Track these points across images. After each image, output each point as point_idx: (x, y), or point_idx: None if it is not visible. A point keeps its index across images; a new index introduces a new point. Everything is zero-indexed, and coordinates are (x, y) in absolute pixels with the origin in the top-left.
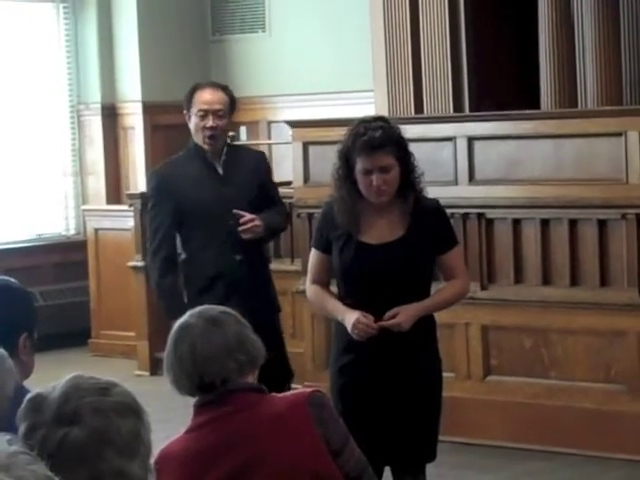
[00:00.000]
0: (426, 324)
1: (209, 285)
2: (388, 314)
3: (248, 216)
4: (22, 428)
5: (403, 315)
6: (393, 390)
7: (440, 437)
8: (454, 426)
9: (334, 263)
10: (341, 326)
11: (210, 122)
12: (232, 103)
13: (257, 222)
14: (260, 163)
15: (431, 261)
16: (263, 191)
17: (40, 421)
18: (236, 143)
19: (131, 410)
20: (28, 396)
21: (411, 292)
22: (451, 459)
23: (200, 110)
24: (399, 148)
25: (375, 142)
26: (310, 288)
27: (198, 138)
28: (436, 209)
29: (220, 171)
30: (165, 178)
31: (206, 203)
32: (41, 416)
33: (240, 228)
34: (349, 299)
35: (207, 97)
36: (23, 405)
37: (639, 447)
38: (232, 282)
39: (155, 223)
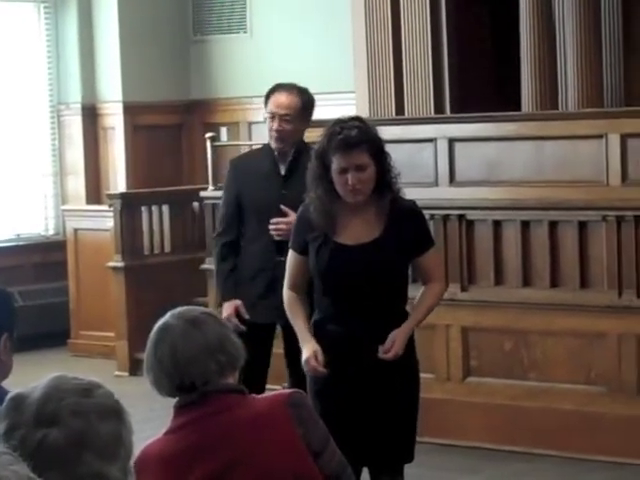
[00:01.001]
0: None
1: (252, 278)
2: (384, 348)
3: (285, 218)
4: (2, 427)
5: (398, 345)
6: (370, 390)
7: (420, 438)
8: (434, 427)
9: (311, 264)
10: (319, 326)
11: (275, 125)
12: (306, 107)
13: (284, 226)
14: None
15: (407, 262)
16: None
17: (20, 421)
18: (308, 144)
19: (112, 412)
20: (9, 395)
21: (387, 292)
22: (431, 460)
23: (269, 112)
24: (375, 147)
25: (351, 140)
26: (286, 294)
27: (269, 138)
28: (412, 210)
29: (282, 172)
30: (236, 168)
31: (262, 200)
32: (21, 416)
33: (270, 227)
34: (326, 299)
35: (277, 100)
36: (4, 404)
37: (619, 449)
38: (272, 281)
39: (222, 210)
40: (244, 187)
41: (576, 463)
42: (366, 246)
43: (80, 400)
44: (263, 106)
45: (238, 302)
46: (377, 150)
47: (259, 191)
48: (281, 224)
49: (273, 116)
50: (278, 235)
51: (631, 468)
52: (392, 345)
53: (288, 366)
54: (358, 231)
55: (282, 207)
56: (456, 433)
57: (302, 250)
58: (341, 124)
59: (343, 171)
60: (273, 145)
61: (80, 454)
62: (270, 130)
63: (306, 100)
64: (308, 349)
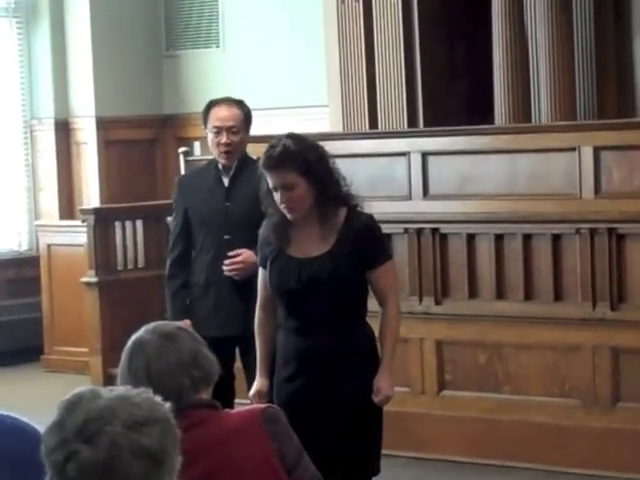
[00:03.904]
0: (365, 337)
1: (203, 292)
2: (374, 392)
3: (236, 259)
4: (55, 420)
5: (384, 389)
6: (332, 403)
7: (395, 452)
8: (409, 441)
9: (267, 277)
10: (282, 339)
11: (224, 139)
12: (247, 118)
13: (240, 266)
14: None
15: (361, 275)
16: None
17: (67, 423)
18: (252, 157)
19: (149, 456)
20: (76, 391)
21: (339, 306)
22: (406, 474)
23: (214, 127)
24: (302, 165)
25: (272, 161)
26: (257, 313)
27: (214, 153)
28: (366, 223)
29: (226, 184)
30: (182, 185)
31: (207, 213)
32: (70, 419)
33: (225, 268)
34: (284, 312)
35: (221, 114)
36: (68, 396)
37: (594, 461)
38: (222, 293)
39: (172, 226)
40: (190, 202)
41: (551, 476)
42: (315, 260)
43: (125, 432)
44: (208, 127)
45: (187, 322)
46: (306, 167)
47: (204, 204)
48: (237, 264)
49: (219, 130)
50: (237, 275)
51: None
52: (379, 391)
53: (247, 379)
54: (309, 245)
55: (230, 254)
56: (431, 447)
57: (265, 265)
58: (273, 142)
59: (274, 189)
60: (222, 161)
61: None
62: (218, 145)
63: (247, 111)
64: (254, 387)
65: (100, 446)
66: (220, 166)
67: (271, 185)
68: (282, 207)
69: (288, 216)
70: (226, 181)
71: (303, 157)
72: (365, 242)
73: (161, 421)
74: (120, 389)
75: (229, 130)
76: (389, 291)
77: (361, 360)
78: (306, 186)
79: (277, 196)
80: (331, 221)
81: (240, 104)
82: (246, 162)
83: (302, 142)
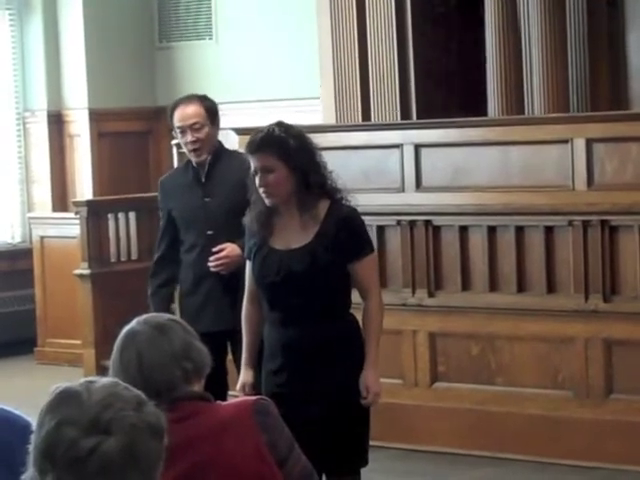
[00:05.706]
0: (349, 328)
1: (192, 288)
2: (362, 394)
3: (220, 254)
4: (52, 422)
5: (372, 387)
6: (318, 394)
7: (387, 444)
8: (402, 433)
9: (251, 269)
10: (267, 331)
11: (189, 137)
12: (210, 111)
13: (225, 260)
14: (247, 170)
15: (342, 268)
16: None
17: (72, 420)
18: (228, 149)
19: (157, 433)
20: (58, 389)
21: (320, 298)
22: (399, 466)
23: (178, 128)
24: (282, 150)
25: (254, 144)
26: (244, 305)
27: (186, 152)
28: (347, 216)
29: (203, 180)
30: (163, 185)
31: (188, 211)
32: (74, 415)
33: (210, 264)
34: (267, 305)
35: (181, 114)
36: (51, 397)
37: (586, 453)
38: (210, 289)
39: (160, 226)
40: (172, 203)
41: (544, 467)
42: (294, 252)
43: (136, 414)
44: (174, 128)
45: None
46: (287, 153)
47: (184, 203)
48: (221, 259)
49: (183, 130)
50: (223, 270)
51: (598, 472)
52: (367, 390)
53: (239, 372)
54: (290, 235)
55: (214, 250)
56: (424, 438)
57: (251, 257)
58: (260, 128)
59: (255, 172)
60: (193, 158)
61: (128, 470)
62: (186, 144)
63: (208, 104)
64: (240, 380)
65: (121, 433)
66: (195, 163)
67: (252, 168)
68: (261, 191)
69: (266, 201)
70: (202, 177)
71: (284, 142)
72: (345, 234)
73: (146, 399)
74: (95, 380)
75: (192, 128)
76: (370, 285)
77: (346, 351)
78: (285, 171)
79: (257, 180)
80: (311, 211)
81: (201, 99)
82: (219, 155)
83: (287, 129)
